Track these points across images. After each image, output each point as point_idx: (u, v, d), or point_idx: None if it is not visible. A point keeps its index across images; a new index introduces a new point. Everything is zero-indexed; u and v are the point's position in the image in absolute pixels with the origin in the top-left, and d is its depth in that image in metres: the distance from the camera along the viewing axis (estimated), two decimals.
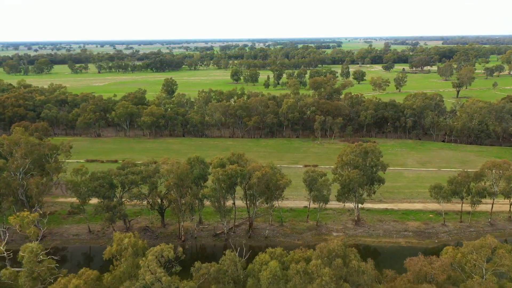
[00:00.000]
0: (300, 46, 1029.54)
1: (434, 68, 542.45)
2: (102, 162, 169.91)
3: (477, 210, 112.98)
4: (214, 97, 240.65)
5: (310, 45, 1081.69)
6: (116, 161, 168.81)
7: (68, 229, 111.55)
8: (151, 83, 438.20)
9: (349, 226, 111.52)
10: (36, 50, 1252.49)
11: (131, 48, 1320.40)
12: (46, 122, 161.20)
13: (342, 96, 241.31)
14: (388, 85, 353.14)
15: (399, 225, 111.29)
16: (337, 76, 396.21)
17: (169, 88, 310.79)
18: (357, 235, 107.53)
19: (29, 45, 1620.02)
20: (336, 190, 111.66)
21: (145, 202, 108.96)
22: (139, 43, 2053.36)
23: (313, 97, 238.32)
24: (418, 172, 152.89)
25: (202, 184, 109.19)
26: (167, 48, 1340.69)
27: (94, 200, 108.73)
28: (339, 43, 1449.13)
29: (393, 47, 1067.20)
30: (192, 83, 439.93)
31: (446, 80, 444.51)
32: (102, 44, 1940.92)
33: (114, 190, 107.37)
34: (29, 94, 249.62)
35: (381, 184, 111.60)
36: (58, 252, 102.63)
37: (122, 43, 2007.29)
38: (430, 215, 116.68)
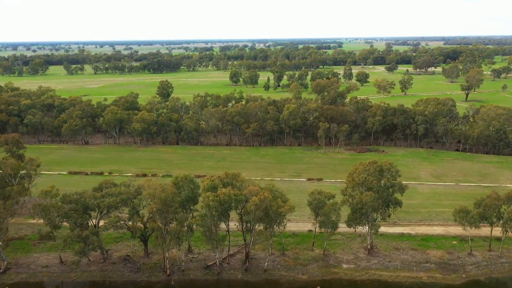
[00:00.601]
0: (300, 46, 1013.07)
1: (439, 69, 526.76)
2: (87, 174, 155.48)
3: (507, 236, 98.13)
4: (210, 101, 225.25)
5: (311, 45, 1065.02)
6: (102, 173, 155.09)
7: (37, 259, 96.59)
8: (147, 85, 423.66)
9: (361, 255, 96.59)
10: (34, 51, 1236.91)
11: (130, 48, 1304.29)
12: (19, 134, 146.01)
13: (347, 101, 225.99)
14: (393, 88, 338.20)
15: (419, 255, 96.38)
16: (340, 78, 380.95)
17: (164, 91, 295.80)
18: (370, 267, 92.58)
19: (28, 46, 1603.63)
20: (345, 211, 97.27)
21: (125, 228, 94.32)
22: (139, 43, 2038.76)
23: (316, 102, 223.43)
24: (434, 187, 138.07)
25: (191, 207, 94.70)
26: (167, 48, 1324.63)
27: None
28: (339, 44, 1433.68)
29: (394, 47, 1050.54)
30: (190, 85, 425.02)
31: (452, 82, 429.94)
32: (102, 44, 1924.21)
33: (89, 215, 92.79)
34: (15, 98, 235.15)
35: (398, 206, 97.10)
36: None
37: (121, 43, 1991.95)
38: (454, 242, 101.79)
